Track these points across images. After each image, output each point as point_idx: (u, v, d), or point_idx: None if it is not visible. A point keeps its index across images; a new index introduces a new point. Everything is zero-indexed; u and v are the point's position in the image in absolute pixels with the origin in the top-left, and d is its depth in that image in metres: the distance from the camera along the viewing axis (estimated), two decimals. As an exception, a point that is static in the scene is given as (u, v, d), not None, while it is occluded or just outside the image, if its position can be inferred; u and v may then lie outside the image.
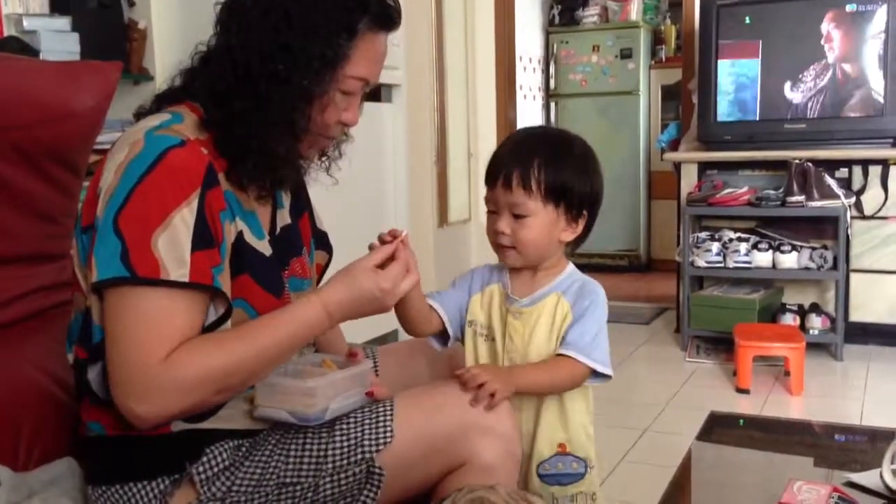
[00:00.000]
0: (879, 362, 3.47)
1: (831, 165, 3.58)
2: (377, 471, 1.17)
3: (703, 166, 3.88)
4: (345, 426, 1.20)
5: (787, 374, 3.15)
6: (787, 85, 3.72)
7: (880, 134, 3.58)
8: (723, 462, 1.48)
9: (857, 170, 3.57)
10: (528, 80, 5.77)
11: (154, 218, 1.08)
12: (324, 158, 1.35)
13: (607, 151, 5.64)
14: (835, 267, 3.52)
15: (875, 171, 3.54)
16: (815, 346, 3.51)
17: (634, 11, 5.88)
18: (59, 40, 2.28)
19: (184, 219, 1.09)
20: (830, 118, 3.67)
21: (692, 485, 1.44)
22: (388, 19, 1.22)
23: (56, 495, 1.18)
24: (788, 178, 3.54)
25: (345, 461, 1.17)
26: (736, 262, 3.61)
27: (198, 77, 1.21)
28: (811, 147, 3.61)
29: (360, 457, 1.17)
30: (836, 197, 3.49)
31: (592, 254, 5.77)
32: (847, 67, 3.64)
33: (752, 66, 3.76)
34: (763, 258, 3.59)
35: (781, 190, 3.59)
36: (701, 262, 3.68)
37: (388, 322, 3.98)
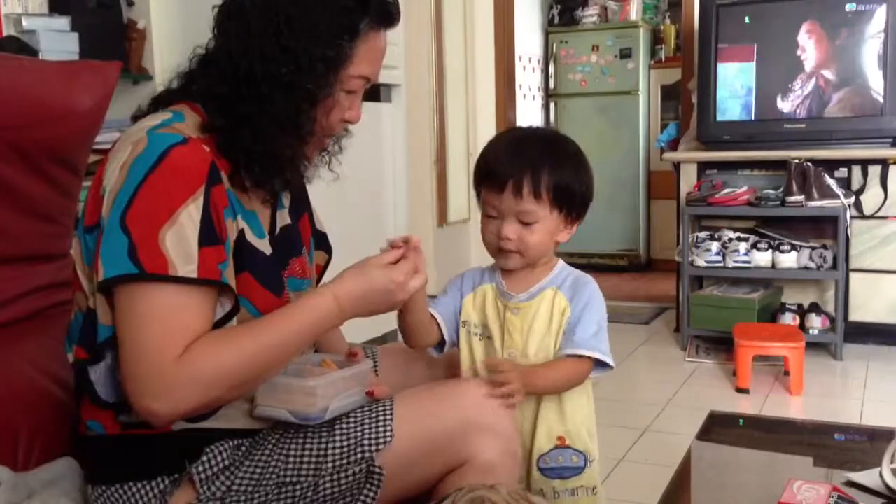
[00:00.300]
0: (879, 362, 3.47)
1: (831, 165, 3.58)
2: (377, 470, 1.17)
3: (703, 166, 3.88)
4: (345, 426, 1.20)
5: (787, 373, 3.15)
6: (786, 84, 3.72)
7: (879, 133, 3.58)
8: (722, 462, 1.48)
9: (857, 169, 3.57)
10: (528, 80, 5.78)
11: (161, 215, 1.08)
12: (323, 153, 1.35)
13: (607, 151, 5.64)
14: (834, 266, 3.52)
15: (874, 170, 3.54)
16: (814, 346, 3.51)
17: (634, 11, 5.88)
18: (58, 40, 2.28)
19: (190, 215, 1.09)
20: (830, 118, 3.67)
21: (692, 484, 1.44)
22: (389, 17, 1.23)
23: (56, 495, 1.18)
24: (788, 177, 3.54)
25: (344, 461, 1.17)
26: (735, 261, 3.61)
27: (197, 80, 1.21)
28: (810, 147, 3.61)
29: (359, 456, 1.17)
30: (836, 196, 3.49)
31: (592, 254, 5.77)
32: (846, 67, 3.64)
33: (750, 66, 3.76)
34: (763, 258, 3.59)
35: (781, 190, 3.59)
36: (700, 262, 3.68)
37: (388, 322, 3.98)
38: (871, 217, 3.55)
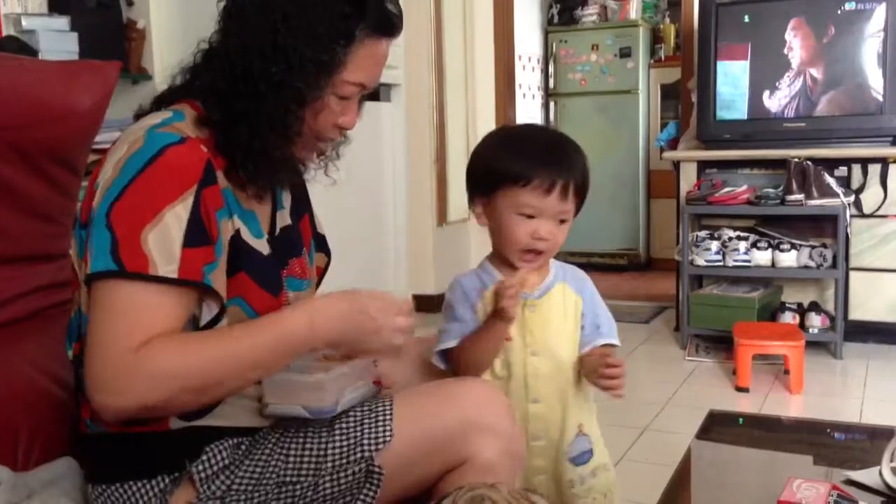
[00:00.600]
0: (879, 360, 3.47)
1: (830, 164, 3.58)
2: (376, 470, 1.17)
3: (703, 165, 3.88)
4: (344, 425, 1.20)
5: (787, 372, 3.15)
6: (786, 83, 3.72)
7: (879, 132, 3.58)
8: (722, 461, 1.48)
9: (857, 168, 3.57)
10: (528, 80, 5.78)
11: (146, 213, 1.08)
12: (321, 159, 1.34)
13: (607, 150, 5.64)
14: (834, 265, 3.52)
15: (874, 169, 3.54)
16: (814, 345, 3.51)
17: (633, 10, 5.88)
18: (57, 40, 2.28)
19: (177, 215, 1.08)
20: (829, 116, 3.67)
21: (692, 483, 1.44)
22: (389, 26, 1.21)
23: (55, 495, 1.18)
24: (787, 176, 3.54)
25: (344, 460, 1.17)
26: (735, 260, 3.61)
27: (199, 75, 1.21)
28: (810, 145, 3.61)
29: (359, 456, 1.17)
30: (836, 195, 3.49)
31: (592, 253, 5.77)
32: (845, 66, 3.64)
33: (750, 65, 3.76)
34: (762, 257, 3.59)
35: (781, 188, 3.59)
36: (700, 261, 3.68)
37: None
38: (871, 216, 3.55)
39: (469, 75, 4.80)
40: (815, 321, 3.53)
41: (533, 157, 1.34)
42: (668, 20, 6.08)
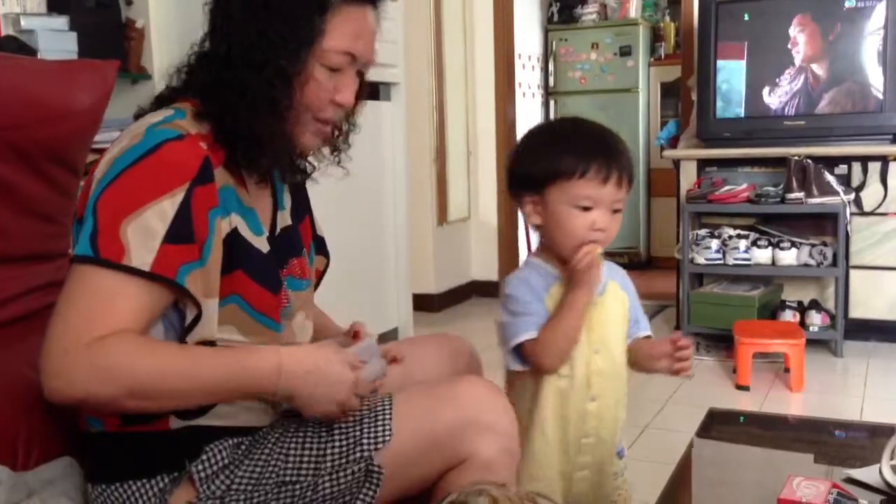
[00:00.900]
0: (879, 359, 3.47)
1: (830, 162, 3.58)
2: (376, 469, 1.17)
3: (703, 163, 3.88)
4: (344, 425, 1.20)
5: (787, 370, 3.15)
6: (785, 81, 3.72)
7: (879, 130, 3.57)
8: (722, 458, 1.48)
9: (857, 166, 3.57)
10: (528, 78, 5.77)
11: (129, 205, 1.08)
12: (334, 153, 1.34)
13: (607, 149, 5.63)
14: (834, 263, 3.52)
15: (874, 167, 3.54)
16: (814, 343, 3.51)
17: (633, 9, 5.88)
18: (56, 39, 2.28)
19: (162, 210, 1.08)
20: (829, 114, 3.67)
21: (692, 481, 1.44)
22: None
23: (55, 494, 1.18)
24: (787, 174, 3.53)
25: (343, 460, 1.17)
26: (735, 259, 3.61)
27: (194, 73, 1.22)
28: (810, 144, 3.61)
29: (358, 455, 1.17)
30: (836, 193, 3.49)
31: (592, 251, 5.76)
32: (846, 64, 3.64)
33: (750, 63, 3.76)
34: (762, 255, 3.59)
35: (781, 187, 3.58)
36: (700, 260, 3.67)
37: (386, 320, 3.98)
38: (871, 214, 3.55)
39: (469, 74, 4.80)
40: (816, 319, 3.53)
41: (586, 149, 1.35)
42: (668, 18, 6.08)
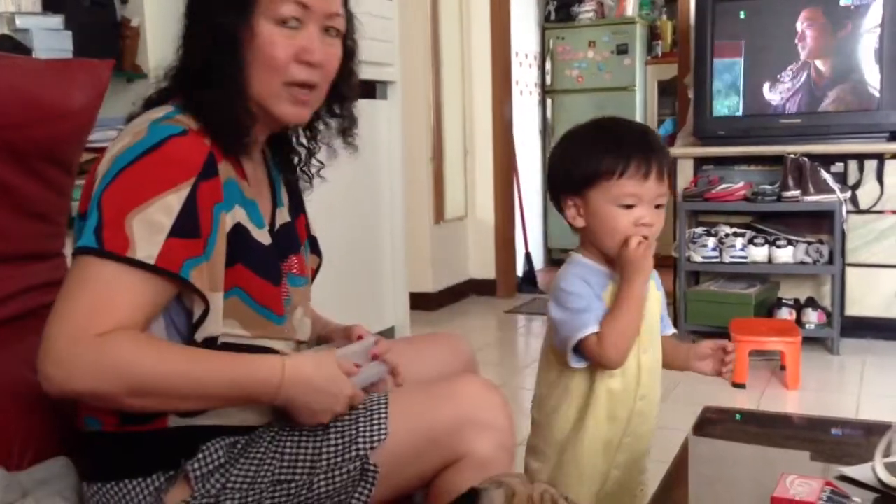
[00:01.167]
0: (875, 356, 3.48)
1: (827, 160, 3.59)
2: (371, 468, 1.17)
3: (699, 161, 3.89)
4: (339, 424, 1.20)
5: (784, 368, 3.15)
6: (782, 79, 3.72)
7: (876, 128, 3.58)
8: (717, 456, 1.48)
9: (853, 164, 3.57)
10: (524, 77, 5.77)
11: (135, 198, 1.08)
12: (330, 120, 1.33)
13: (604, 147, 5.64)
14: (831, 261, 3.52)
15: (871, 165, 3.54)
16: (811, 341, 3.52)
17: (630, 7, 5.88)
18: (51, 38, 2.27)
19: (168, 204, 1.08)
20: (826, 112, 3.68)
21: (688, 479, 1.45)
22: None
23: (50, 494, 1.18)
24: (784, 172, 3.54)
25: (339, 459, 1.17)
26: (732, 257, 3.61)
27: (175, 73, 1.23)
28: (807, 142, 3.61)
29: (354, 454, 1.17)
30: (832, 191, 3.49)
31: (589, 250, 5.77)
32: (842, 61, 3.64)
33: (747, 61, 3.76)
34: (759, 253, 3.60)
35: (777, 185, 3.59)
36: (697, 258, 3.68)
37: (383, 319, 3.97)
38: (868, 212, 3.55)
39: (466, 72, 4.80)
40: (812, 317, 3.54)
41: (624, 146, 1.35)
42: (664, 17, 6.08)
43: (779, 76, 3.73)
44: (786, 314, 3.55)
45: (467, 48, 4.80)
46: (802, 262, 3.56)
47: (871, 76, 3.58)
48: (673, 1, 5.19)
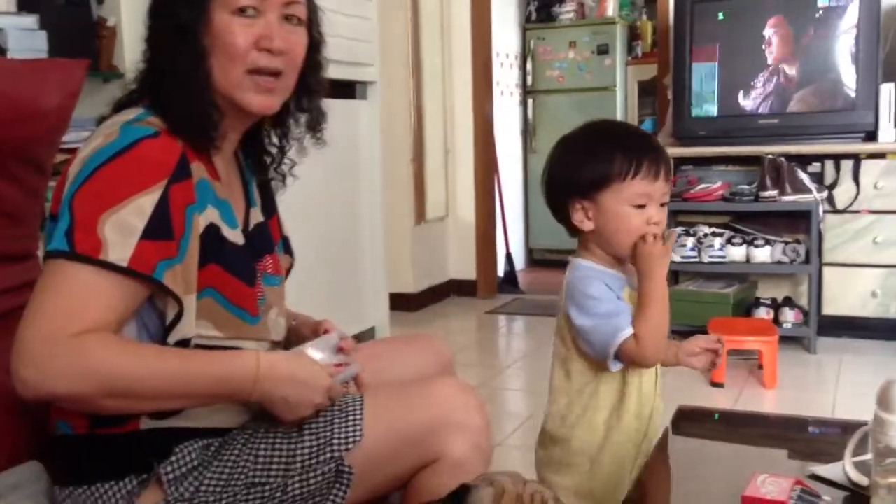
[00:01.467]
0: (852, 355, 3.51)
1: (804, 160, 3.62)
2: (346, 470, 1.17)
3: (678, 161, 3.90)
4: (314, 426, 1.20)
5: (761, 367, 3.17)
6: (760, 80, 3.75)
7: (852, 128, 3.61)
8: (692, 456, 1.49)
9: (830, 164, 3.60)
10: (505, 77, 5.78)
11: (107, 200, 1.07)
12: (300, 115, 1.32)
13: (584, 147, 5.65)
14: (807, 261, 3.55)
15: (847, 165, 3.57)
16: (788, 340, 3.54)
17: (611, 7, 5.90)
18: (26, 38, 2.25)
19: (140, 206, 1.08)
20: (803, 113, 3.71)
21: (661, 479, 1.45)
22: None
23: (22, 499, 1.17)
24: (761, 172, 3.57)
25: (313, 460, 1.17)
26: (710, 256, 3.64)
27: (142, 76, 1.23)
28: (784, 142, 3.64)
29: (328, 456, 1.17)
30: (809, 191, 3.52)
31: (570, 249, 5.77)
32: (819, 62, 3.67)
33: (724, 62, 3.78)
34: (737, 252, 3.62)
35: (755, 185, 3.62)
36: (676, 257, 3.70)
37: (364, 319, 3.94)
38: (844, 211, 3.59)
39: (446, 73, 4.80)
40: (789, 316, 3.57)
41: (633, 149, 1.36)
42: (645, 17, 6.11)
43: (756, 79, 3.75)
44: (763, 313, 3.57)
45: (448, 48, 4.80)
46: (780, 262, 3.59)
47: (848, 77, 3.61)
48: (653, 1, 5.22)
